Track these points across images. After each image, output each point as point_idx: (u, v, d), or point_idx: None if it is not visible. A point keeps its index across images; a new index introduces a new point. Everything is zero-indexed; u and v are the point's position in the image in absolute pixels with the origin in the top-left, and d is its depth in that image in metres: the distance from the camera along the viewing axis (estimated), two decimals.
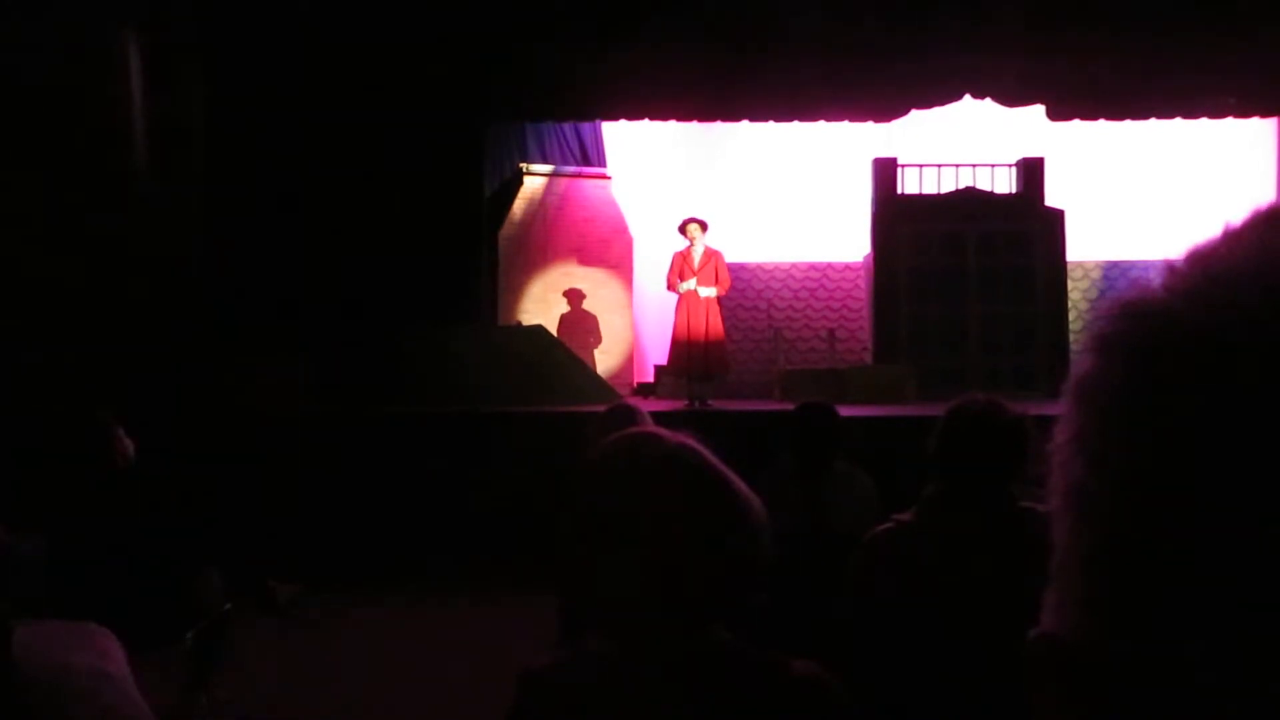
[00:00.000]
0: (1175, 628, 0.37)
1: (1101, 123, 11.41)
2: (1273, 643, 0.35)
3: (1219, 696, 0.36)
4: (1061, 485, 0.42)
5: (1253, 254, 0.38)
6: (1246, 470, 0.35)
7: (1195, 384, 0.37)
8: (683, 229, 9.35)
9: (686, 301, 9.31)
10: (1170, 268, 0.41)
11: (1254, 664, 0.35)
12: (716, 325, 9.39)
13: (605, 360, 11.24)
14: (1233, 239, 0.40)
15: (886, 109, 10.97)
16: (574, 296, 11.41)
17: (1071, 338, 10.70)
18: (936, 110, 11.14)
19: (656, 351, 11.23)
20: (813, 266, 12.33)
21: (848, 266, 12.22)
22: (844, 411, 4.21)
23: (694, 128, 11.91)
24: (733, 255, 10.11)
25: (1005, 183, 11.16)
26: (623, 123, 11.89)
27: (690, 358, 9.22)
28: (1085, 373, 0.42)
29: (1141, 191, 12.08)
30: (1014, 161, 11.13)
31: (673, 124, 11.71)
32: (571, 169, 11.86)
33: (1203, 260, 0.40)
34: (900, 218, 10.94)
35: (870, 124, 11.44)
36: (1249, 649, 0.36)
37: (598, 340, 11.38)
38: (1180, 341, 0.38)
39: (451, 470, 7.34)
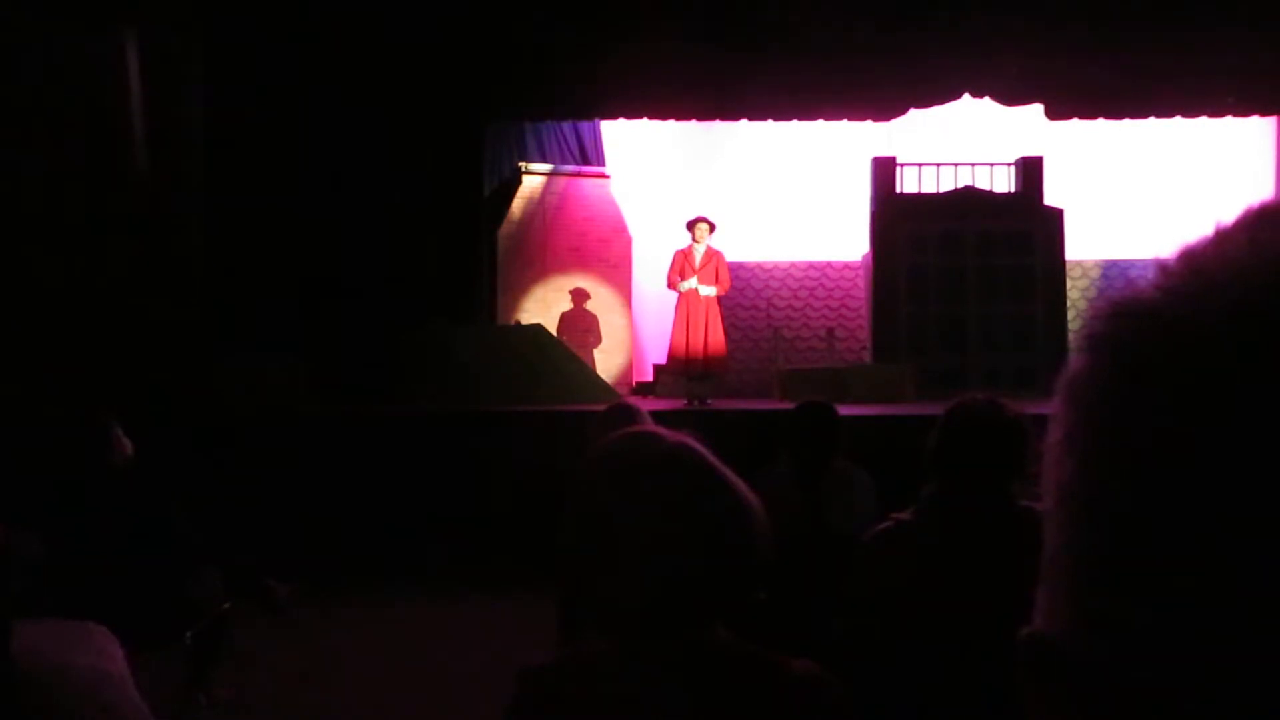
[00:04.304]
0: (1166, 628, 0.37)
1: (1100, 121, 11.42)
2: (1268, 642, 0.35)
3: (1212, 697, 0.36)
4: (1053, 484, 0.42)
5: (1244, 252, 0.38)
6: (1235, 469, 0.36)
7: (1184, 382, 0.37)
8: (691, 227, 9.36)
9: (686, 300, 9.32)
10: (1162, 266, 0.41)
11: (1248, 663, 0.36)
12: (716, 325, 9.39)
13: (604, 359, 11.24)
14: (1224, 237, 0.40)
15: (885, 108, 10.98)
16: (578, 295, 11.41)
17: (1070, 337, 10.70)
18: (935, 109, 11.14)
19: (655, 351, 11.23)
20: (812, 265, 12.33)
21: (847, 265, 12.22)
22: (843, 411, 4.21)
23: (693, 127, 11.92)
24: (732, 254, 10.12)
25: (1004, 182, 11.16)
26: (622, 122, 11.89)
27: (689, 357, 9.23)
28: (1076, 372, 0.42)
29: (1140, 190, 12.08)
30: (1013, 160, 11.14)
31: (672, 123, 11.72)
32: (570, 168, 11.86)
33: (1194, 258, 0.40)
34: (899, 217, 10.94)
35: (869, 123, 11.45)
36: (1243, 648, 0.36)
37: (597, 339, 11.38)
38: (1169, 340, 0.38)
39: (451, 470, 7.33)
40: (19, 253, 7.74)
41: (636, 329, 11.89)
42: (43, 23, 7.91)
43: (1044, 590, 0.43)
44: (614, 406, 3.83)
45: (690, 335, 9.25)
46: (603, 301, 11.52)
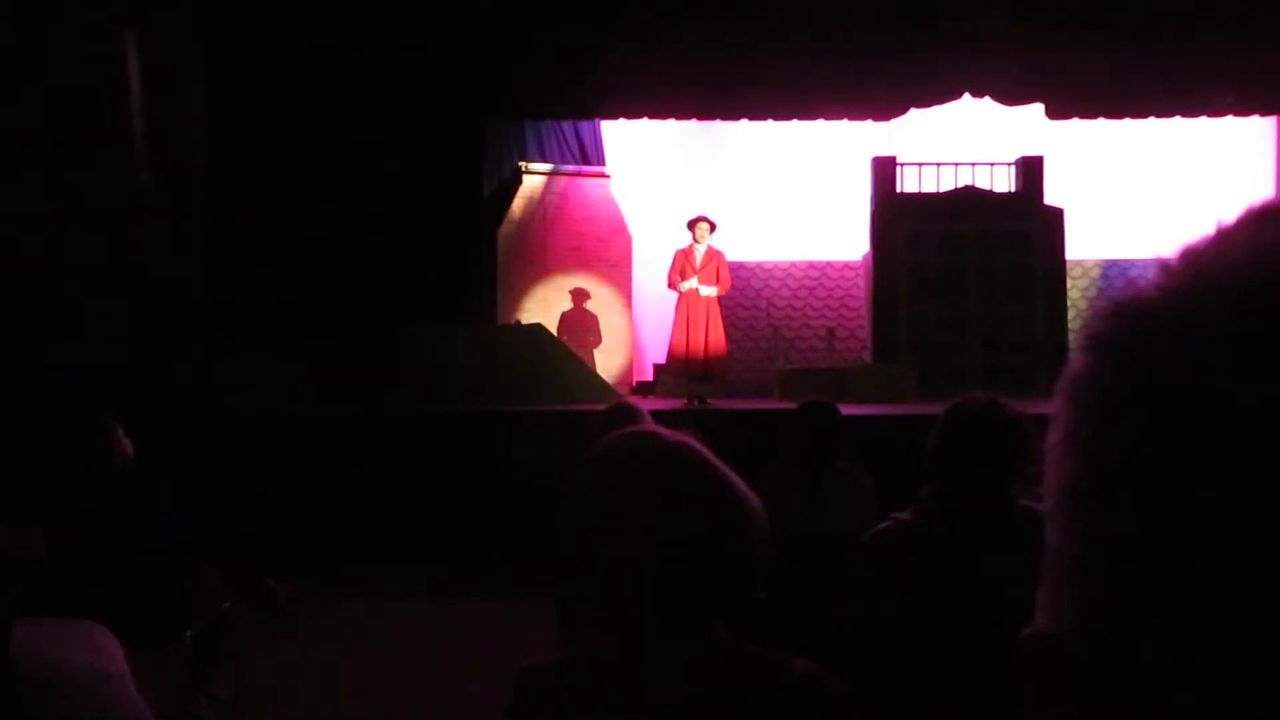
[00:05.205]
0: (1168, 626, 0.37)
1: (1100, 121, 11.41)
2: (1268, 641, 0.35)
3: (1213, 696, 0.36)
4: (1054, 484, 0.42)
5: (1244, 251, 0.38)
6: (1236, 467, 0.36)
7: (1184, 381, 0.37)
8: (692, 226, 9.36)
9: (687, 300, 9.33)
10: (1163, 266, 0.41)
11: (1249, 662, 0.36)
12: (716, 325, 9.39)
13: (604, 359, 11.24)
14: (1225, 237, 0.40)
15: (886, 108, 10.98)
16: (579, 295, 11.41)
17: (1070, 337, 10.69)
18: (935, 109, 11.14)
19: (655, 350, 11.23)
20: (812, 265, 12.33)
21: (847, 265, 12.22)
22: (843, 411, 4.21)
23: (693, 126, 11.92)
24: (732, 254, 10.12)
25: (1004, 181, 11.16)
26: (622, 121, 11.89)
27: (690, 357, 9.23)
28: (1077, 371, 0.42)
29: (1141, 190, 12.08)
30: (1013, 160, 11.14)
31: (672, 123, 11.72)
32: (571, 168, 11.86)
33: (1194, 258, 0.40)
34: (899, 216, 10.94)
35: (869, 123, 11.45)
36: (1244, 647, 0.36)
37: (597, 339, 11.38)
38: (1169, 339, 0.38)
39: (451, 470, 7.33)
40: (18, 253, 7.74)
41: (636, 329, 11.89)
42: (43, 23, 7.91)
43: (1046, 590, 0.43)
44: (614, 406, 3.83)
45: (690, 335, 9.25)
46: (603, 301, 11.52)
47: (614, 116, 11.65)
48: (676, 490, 1.26)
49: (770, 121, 11.43)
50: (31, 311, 7.62)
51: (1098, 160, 12.05)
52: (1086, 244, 11.56)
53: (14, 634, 1.10)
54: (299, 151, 9.75)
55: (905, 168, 11.22)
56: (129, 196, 8.42)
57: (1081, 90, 10.57)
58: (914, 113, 11.11)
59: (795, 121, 11.40)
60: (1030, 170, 10.97)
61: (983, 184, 11.14)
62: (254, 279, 9.52)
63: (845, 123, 11.45)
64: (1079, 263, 11.59)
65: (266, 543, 5.54)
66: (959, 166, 11.23)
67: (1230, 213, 0.41)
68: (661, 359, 10.33)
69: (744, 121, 11.55)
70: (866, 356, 11.27)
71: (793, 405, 4.24)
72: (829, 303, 12.31)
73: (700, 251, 9.34)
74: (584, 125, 12.23)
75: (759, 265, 12.16)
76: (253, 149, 9.58)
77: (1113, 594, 0.39)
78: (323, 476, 7.17)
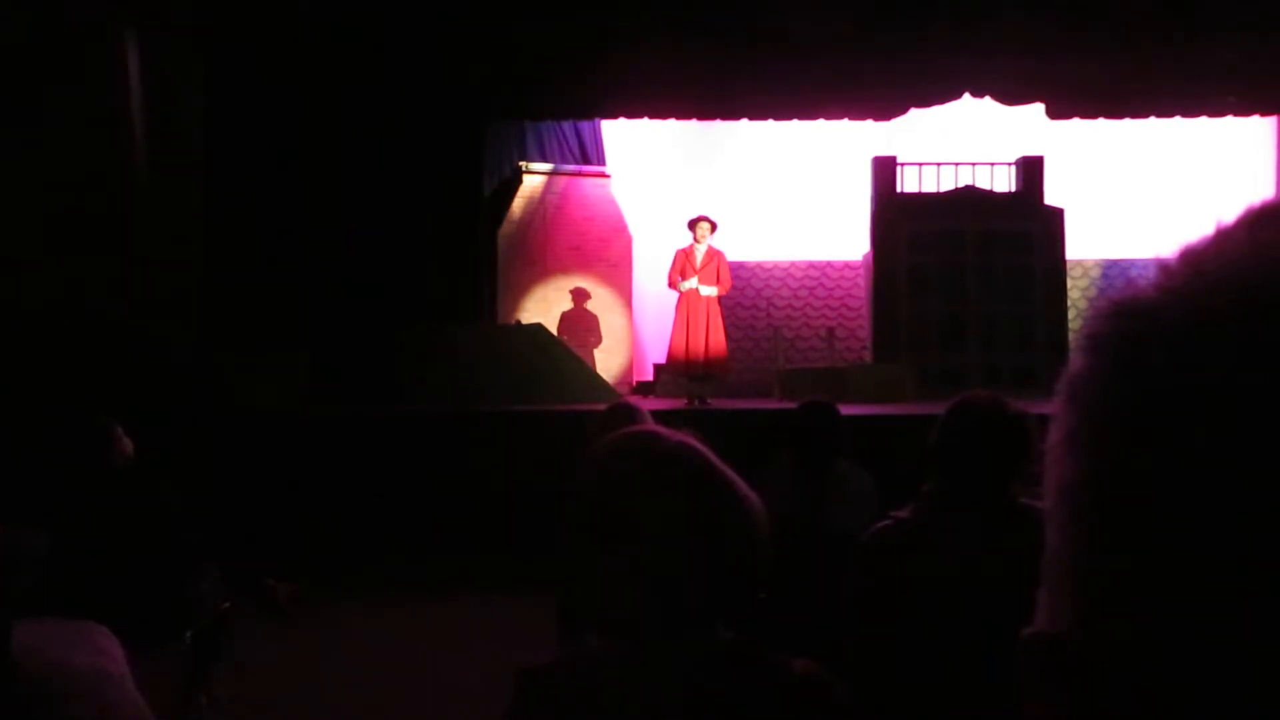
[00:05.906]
0: (1168, 626, 0.37)
1: (1101, 121, 11.42)
2: (1267, 639, 0.35)
3: (1213, 694, 0.36)
4: (1054, 484, 0.42)
5: (1244, 251, 0.38)
6: (1237, 468, 0.36)
7: (1184, 382, 0.37)
8: (692, 226, 9.36)
9: (687, 300, 9.33)
10: (1162, 266, 0.41)
11: (1249, 663, 0.36)
12: (717, 325, 9.39)
13: (604, 359, 11.25)
14: (1224, 237, 0.40)
15: (886, 107, 10.99)
16: (579, 295, 11.42)
17: (1070, 336, 10.69)
18: (936, 109, 11.14)
19: (656, 350, 11.24)
20: (812, 265, 12.33)
21: (847, 265, 12.22)
22: (843, 410, 4.21)
23: (693, 126, 11.92)
24: (732, 254, 10.13)
25: (1005, 181, 11.16)
26: (622, 122, 11.89)
27: (690, 357, 9.24)
28: (1077, 372, 0.42)
29: (1141, 190, 12.08)
30: (1013, 160, 11.14)
31: (672, 122, 11.72)
32: (571, 168, 11.86)
33: (1194, 258, 0.40)
34: (900, 216, 10.94)
35: (870, 122, 11.45)
36: (1243, 646, 0.36)
37: (597, 339, 11.38)
38: (1168, 339, 0.38)
39: (451, 470, 7.33)
40: (19, 252, 7.74)
41: (637, 329, 11.89)
42: (43, 23, 7.91)
43: (1046, 590, 0.43)
44: (614, 406, 3.83)
45: (691, 335, 9.26)
46: (603, 301, 11.53)
47: (614, 116, 11.66)
48: (676, 490, 1.26)
49: (770, 121, 11.43)
50: (32, 311, 7.62)
51: (1098, 160, 12.06)
52: (1086, 244, 11.56)
53: (14, 634, 1.10)
54: (299, 151, 9.75)
55: (905, 168, 11.22)
56: (129, 196, 8.42)
57: (1081, 90, 10.57)
58: (914, 113, 11.12)
59: (795, 121, 11.41)
60: (1030, 170, 10.97)
61: (983, 184, 11.15)
62: (254, 278, 9.52)
63: (845, 123, 11.45)
64: (1079, 263, 11.60)
65: (266, 543, 5.54)
66: (959, 166, 11.23)
67: (1230, 213, 0.41)
68: (661, 359, 10.33)
69: (744, 121, 11.56)
70: (866, 356, 11.28)
71: (793, 405, 4.23)
72: (829, 303, 12.31)
73: (701, 251, 9.34)
74: (584, 125, 12.23)
75: (759, 265, 12.16)
76: (253, 149, 9.58)
77: (1112, 594, 0.39)
78: (323, 476, 7.17)
